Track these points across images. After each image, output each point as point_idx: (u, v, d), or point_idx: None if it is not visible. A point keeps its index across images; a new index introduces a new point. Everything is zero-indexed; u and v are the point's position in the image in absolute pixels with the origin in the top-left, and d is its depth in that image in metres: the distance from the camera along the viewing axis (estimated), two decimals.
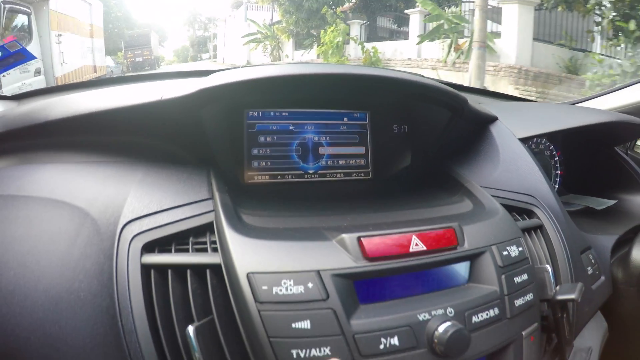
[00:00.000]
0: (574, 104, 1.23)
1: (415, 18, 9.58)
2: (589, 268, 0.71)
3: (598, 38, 6.72)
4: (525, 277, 0.50)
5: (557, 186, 1.02)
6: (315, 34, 12.63)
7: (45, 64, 6.13)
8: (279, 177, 0.69)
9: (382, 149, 0.74)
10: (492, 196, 0.61)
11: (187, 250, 0.46)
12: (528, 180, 0.70)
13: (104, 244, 0.46)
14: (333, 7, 12.37)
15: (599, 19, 6.46)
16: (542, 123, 0.84)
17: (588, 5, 6.29)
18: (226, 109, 0.64)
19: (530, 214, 0.66)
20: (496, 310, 0.46)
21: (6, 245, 0.47)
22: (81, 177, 0.53)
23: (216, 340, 0.41)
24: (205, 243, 0.47)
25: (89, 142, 0.58)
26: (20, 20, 5.63)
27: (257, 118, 0.68)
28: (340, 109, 0.72)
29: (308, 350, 0.39)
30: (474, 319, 0.45)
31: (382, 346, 0.40)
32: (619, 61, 5.40)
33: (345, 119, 0.72)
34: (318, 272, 0.41)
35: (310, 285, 0.41)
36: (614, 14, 5.81)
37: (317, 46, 11.15)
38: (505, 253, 0.50)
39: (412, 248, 0.45)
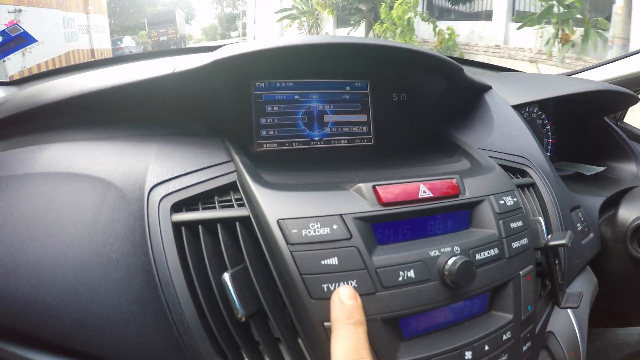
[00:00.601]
0: (570, 74, 1.27)
1: None
2: (578, 225, 0.76)
3: None
4: (520, 223, 0.55)
5: (549, 154, 1.07)
6: (364, 9, 10.69)
7: None
8: (287, 144, 0.73)
9: (383, 117, 0.77)
10: (489, 157, 0.66)
11: (214, 208, 0.49)
12: (521, 144, 0.75)
13: (132, 208, 0.48)
14: None
15: None
16: (533, 91, 0.88)
17: None
18: (235, 81, 0.67)
19: (523, 173, 0.71)
20: (496, 250, 0.51)
21: (28, 220, 0.49)
22: (98, 151, 0.54)
23: (250, 284, 0.45)
24: (230, 200, 0.50)
25: (102, 120, 0.59)
26: None
27: (264, 89, 0.71)
28: (343, 78, 0.76)
29: (337, 284, 0.42)
30: (478, 256, 0.49)
31: (400, 279, 0.45)
32: None
33: (348, 88, 0.76)
34: (341, 215, 0.46)
35: (335, 227, 0.45)
36: None
37: (376, 24, 8.73)
38: (501, 202, 0.55)
39: (421, 194, 0.50)
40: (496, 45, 7.53)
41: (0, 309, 0.46)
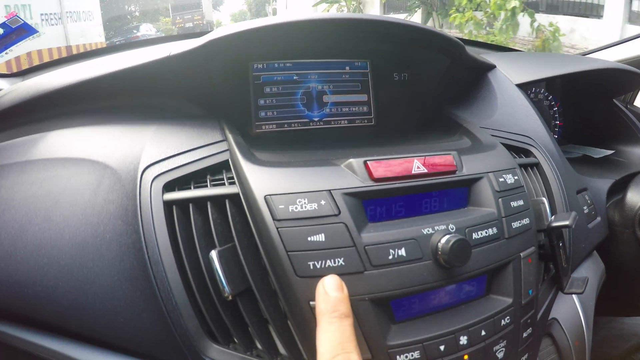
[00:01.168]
0: (583, 55, 1.23)
1: None
2: (584, 207, 0.73)
3: None
4: (521, 202, 0.53)
5: (556, 137, 1.04)
6: None
7: None
8: (286, 125, 0.71)
9: (384, 97, 0.75)
10: (491, 136, 0.63)
11: (205, 186, 0.49)
12: (525, 123, 0.72)
13: (125, 188, 0.48)
14: None
15: None
16: (538, 69, 0.85)
17: None
18: (232, 63, 0.66)
19: (527, 153, 0.68)
20: (494, 230, 0.49)
21: (28, 205, 0.50)
22: (96, 136, 0.55)
23: (237, 263, 0.44)
24: (222, 179, 0.49)
25: (102, 107, 0.60)
26: None
27: (262, 70, 0.69)
28: (342, 58, 0.74)
29: (323, 262, 0.41)
30: (474, 235, 0.47)
31: (390, 257, 0.43)
32: None
33: (347, 67, 0.74)
34: (329, 191, 0.44)
35: (323, 202, 0.43)
36: None
37: (452, 11, 6.31)
38: (501, 180, 0.52)
39: (414, 170, 0.48)
40: None
41: (0, 291, 0.48)
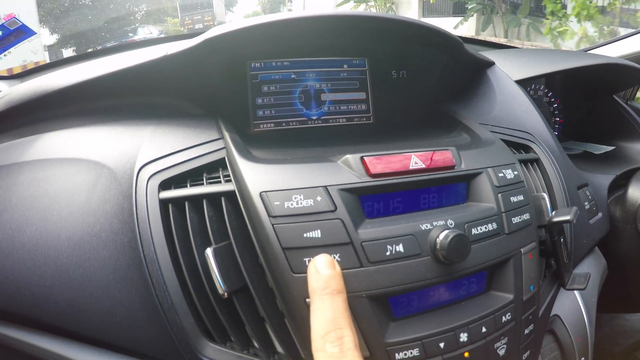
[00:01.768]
0: (585, 50, 1.23)
1: None
2: (586, 203, 0.73)
3: None
4: (521, 197, 0.52)
5: (557, 133, 1.03)
6: None
7: None
8: (284, 124, 0.70)
9: (383, 94, 0.75)
10: (490, 132, 0.63)
11: (201, 184, 0.48)
12: (524, 119, 0.71)
13: (122, 187, 0.48)
14: None
15: None
16: (537, 66, 0.84)
17: None
18: (229, 62, 0.66)
19: (527, 148, 0.68)
20: (494, 225, 0.48)
21: (26, 205, 0.50)
22: (94, 137, 0.55)
23: (233, 261, 0.43)
24: (218, 177, 0.49)
25: (98, 108, 0.60)
26: None
27: (260, 69, 0.69)
28: (340, 56, 0.73)
29: None
30: (474, 231, 0.47)
31: (388, 253, 0.42)
32: None
33: (345, 65, 0.73)
34: (326, 187, 0.43)
35: (319, 198, 0.43)
36: None
37: (548, 19, 5.04)
38: (501, 175, 0.52)
39: (412, 166, 0.47)
40: None
41: None
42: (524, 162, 0.64)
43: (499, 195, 0.50)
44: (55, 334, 0.48)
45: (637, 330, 0.99)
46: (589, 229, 0.72)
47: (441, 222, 0.45)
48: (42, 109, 0.60)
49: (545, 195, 0.58)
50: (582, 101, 1.05)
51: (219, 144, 0.52)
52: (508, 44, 1.34)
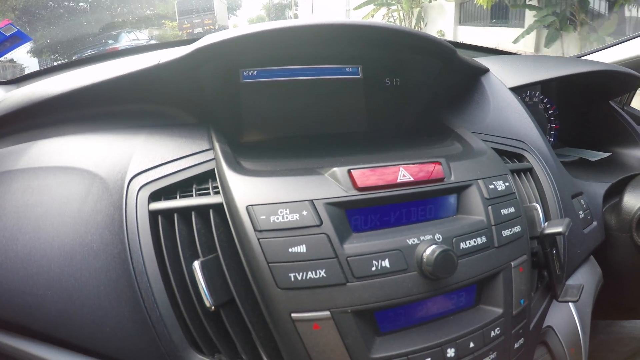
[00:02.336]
0: (579, 56, 1.22)
1: None
2: (580, 212, 0.72)
3: None
4: (512, 209, 0.52)
5: (552, 140, 1.03)
6: None
7: None
8: (276, 132, 0.70)
9: (376, 102, 0.74)
10: (483, 141, 0.62)
11: (191, 196, 0.48)
12: (518, 127, 0.71)
13: (113, 198, 0.48)
14: None
15: None
16: (532, 72, 0.84)
17: None
18: (222, 70, 0.65)
19: (520, 157, 0.67)
20: (484, 239, 0.48)
21: (19, 214, 0.50)
22: (87, 145, 0.55)
23: (220, 274, 0.44)
24: (207, 188, 0.49)
25: (92, 115, 0.60)
26: None
27: (253, 77, 0.69)
28: (334, 64, 0.73)
29: (304, 273, 0.41)
30: (462, 245, 0.46)
31: (373, 268, 0.42)
32: None
33: (339, 73, 0.73)
34: (312, 201, 0.43)
35: (304, 213, 0.42)
36: None
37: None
38: (491, 187, 0.51)
39: (400, 179, 0.47)
40: None
41: None
42: (516, 171, 0.64)
43: (489, 207, 0.50)
44: (48, 342, 0.48)
45: (634, 338, 0.99)
46: (584, 238, 0.71)
47: (429, 237, 0.45)
48: (38, 115, 0.61)
49: (538, 206, 0.58)
50: (578, 107, 1.04)
51: (209, 155, 0.52)
52: (499, 49, 1.34)
